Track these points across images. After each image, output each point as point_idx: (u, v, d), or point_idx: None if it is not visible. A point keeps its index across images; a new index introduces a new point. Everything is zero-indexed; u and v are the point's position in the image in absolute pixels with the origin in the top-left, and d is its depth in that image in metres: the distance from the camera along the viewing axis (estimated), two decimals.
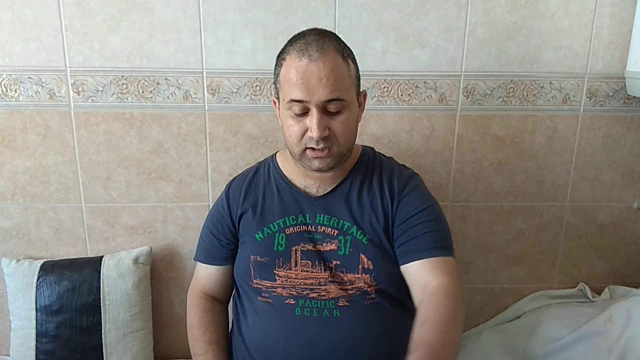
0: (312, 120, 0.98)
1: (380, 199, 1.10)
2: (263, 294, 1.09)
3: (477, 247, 1.59)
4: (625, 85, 1.45)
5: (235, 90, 1.41)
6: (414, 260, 1.05)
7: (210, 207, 1.31)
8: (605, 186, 1.56)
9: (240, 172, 1.26)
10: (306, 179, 1.12)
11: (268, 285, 1.09)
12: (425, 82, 1.43)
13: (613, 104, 1.48)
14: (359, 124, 1.10)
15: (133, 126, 1.42)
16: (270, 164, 1.20)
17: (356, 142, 1.13)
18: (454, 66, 1.42)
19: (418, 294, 1.02)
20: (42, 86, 1.39)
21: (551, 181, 1.55)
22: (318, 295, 1.06)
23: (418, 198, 1.10)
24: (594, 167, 1.54)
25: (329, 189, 1.12)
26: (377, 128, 1.47)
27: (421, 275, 1.03)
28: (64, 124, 1.42)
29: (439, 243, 1.05)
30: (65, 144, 1.43)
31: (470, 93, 1.45)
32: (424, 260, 1.04)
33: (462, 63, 1.43)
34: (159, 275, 1.55)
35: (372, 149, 1.22)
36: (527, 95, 1.46)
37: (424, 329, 0.91)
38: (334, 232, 1.09)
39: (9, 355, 1.40)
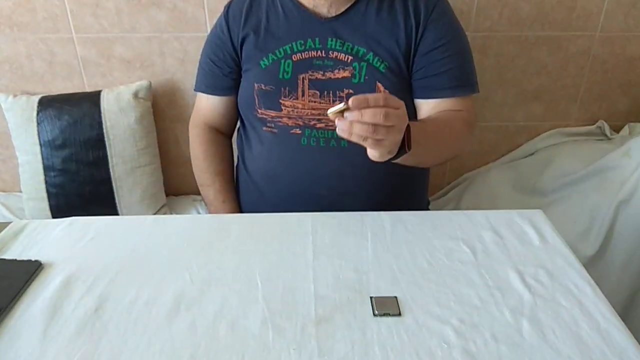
0: None
1: (403, 22, 0.99)
2: (268, 124, 1.04)
3: (495, 81, 1.49)
4: None
5: None
6: (433, 98, 1.01)
7: None
8: None
9: None
10: None
11: (273, 115, 1.03)
12: None
13: None
14: None
15: None
16: None
17: None
18: None
19: None
20: None
21: (583, 7, 1.39)
22: (325, 125, 1.01)
23: (445, 26, 1.01)
24: None
25: (342, 9, 1.00)
26: None
27: (437, 110, 1.00)
28: None
29: (461, 81, 1.01)
30: None
31: None
32: (442, 99, 1.01)
33: None
34: (162, 112, 1.50)
35: None
36: None
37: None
38: (347, 58, 1.00)
39: (20, 192, 1.42)
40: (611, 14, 1.41)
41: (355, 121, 0.68)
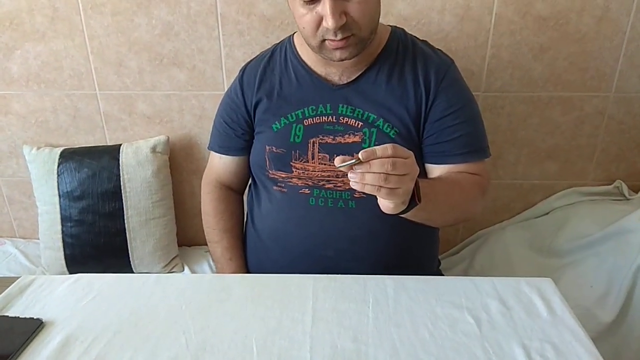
0: (325, 8, 0.86)
1: (413, 90, 1.00)
2: (279, 184, 1.05)
3: (508, 140, 1.49)
4: None
5: None
6: (444, 164, 1.02)
7: None
8: None
9: (254, 56, 1.17)
10: (327, 66, 1.02)
11: (284, 176, 1.04)
12: None
13: None
14: (382, 1, 0.97)
15: (140, 6, 1.33)
16: (287, 47, 1.09)
17: (383, 23, 1.02)
18: None
19: None
20: None
21: (596, 69, 1.40)
22: (334, 186, 1.01)
23: (456, 94, 1.02)
24: None
25: (353, 77, 1.02)
26: (405, 7, 1.32)
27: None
28: (70, 5, 1.34)
29: (472, 147, 1.02)
30: (74, 27, 1.37)
31: None
32: (453, 165, 1.01)
33: None
34: (179, 165, 1.54)
35: (403, 30, 1.08)
36: None
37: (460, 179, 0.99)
38: (358, 124, 1.01)
39: (38, 239, 1.46)
40: (625, 75, 1.40)
41: (365, 172, 0.70)
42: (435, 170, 1.03)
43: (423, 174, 1.04)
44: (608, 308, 1.23)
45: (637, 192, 1.48)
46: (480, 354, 0.74)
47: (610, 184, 1.52)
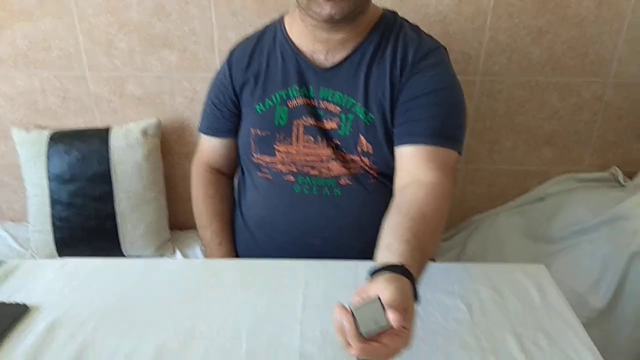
0: None
1: (390, 70, 0.96)
2: (262, 170, 1.03)
3: (505, 126, 1.47)
4: None
5: None
6: (408, 144, 0.93)
7: None
8: None
9: (244, 38, 1.14)
10: (314, 42, 0.99)
11: (268, 160, 1.02)
12: None
13: None
14: None
15: None
16: (277, 27, 1.06)
17: (377, 5, 0.99)
18: None
19: (403, 179, 0.92)
20: None
21: (595, 53, 1.37)
22: (319, 172, 1.00)
23: (434, 77, 0.95)
24: None
25: (338, 60, 0.99)
26: None
27: (413, 163, 0.92)
28: None
29: (441, 131, 0.92)
30: (63, 7, 1.33)
31: None
32: (419, 146, 0.92)
33: None
34: (171, 148, 1.51)
35: (395, 13, 1.04)
36: None
37: (420, 222, 0.80)
38: (336, 110, 0.99)
39: (27, 222, 1.44)
40: (625, 61, 1.38)
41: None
42: (401, 152, 0.95)
43: (392, 160, 0.98)
44: (600, 294, 1.23)
45: (632, 179, 1.47)
46: (472, 341, 0.74)
47: (605, 171, 1.51)
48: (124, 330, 0.74)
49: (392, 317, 0.57)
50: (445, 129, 0.93)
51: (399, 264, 0.67)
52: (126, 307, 0.79)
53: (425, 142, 0.92)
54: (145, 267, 0.89)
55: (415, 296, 0.66)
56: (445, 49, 1.02)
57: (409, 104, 0.95)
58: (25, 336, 0.73)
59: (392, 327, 0.58)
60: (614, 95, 1.43)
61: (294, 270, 0.87)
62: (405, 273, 0.66)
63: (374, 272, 0.67)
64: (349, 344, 0.59)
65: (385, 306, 0.58)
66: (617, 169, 1.49)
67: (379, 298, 0.59)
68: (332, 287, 0.84)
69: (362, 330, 0.58)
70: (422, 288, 0.83)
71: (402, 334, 0.59)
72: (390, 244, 0.73)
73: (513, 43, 1.36)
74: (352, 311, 0.59)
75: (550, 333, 0.75)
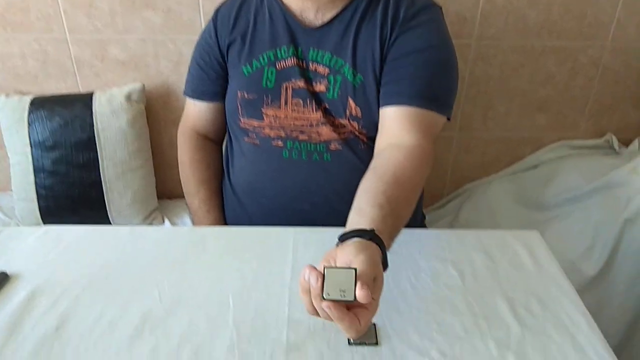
0: None
1: (380, 28, 0.92)
2: (250, 134, 1.00)
3: (499, 91, 1.44)
4: None
5: None
6: (390, 105, 0.90)
7: None
8: None
9: None
10: (304, 0, 0.95)
11: (255, 125, 0.99)
12: None
13: None
14: None
15: None
16: None
17: None
18: None
19: (383, 141, 0.89)
20: None
21: (593, 16, 1.34)
22: (309, 137, 0.97)
23: (423, 35, 0.91)
24: None
25: (328, 18, 0.95)
26: None
27: (394, 125, 0.89)
28: None
29: (425, 92, 0.89)
30: None
31: None
32: (402, 107, 0.89)
33: None
34: (156, 114, 1.47)
35: None
36: None
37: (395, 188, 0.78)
38: (325, 71, 0.95)
39: (11, 190, 1.41)
40: (623, 24, 1.35)
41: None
42: (385, 113, 0.92)
43: (377, 119, 0.94)
44: (593, 261, 1.23)
45: (627, 146, 1.46)
46: (463, 307, 0.72)
47: (600, 137, 1.49)
48: (108, 298, 0.72)
49: (360, 293, 0.55)
50: (430, 90, 0.90)
51: (369, 229, 0.65)
52: (110, 275, 0.77)
53: (408, 103, 0.89)
54: (130, 234, 0.86)
55: (385, 263, 0.64)
56: (440, 8, 0.98)
57: (395, 62, 0.91)
58: (5, 305, 0.71)
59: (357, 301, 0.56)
60: (612, 59, 1.40)
61: (283, 237, 0.85)
62: (375, 239, 0.64)
63: (343, 236, 0.65)
64: (311, 305, 0.58)
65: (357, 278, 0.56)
66: (612, 136, 1.47)
67: (356, 270, 0.57)
68: (321, 253, 0.80)
69: (326, 292, 0.56)
70: (414, 255, 0.83)
71: (370, 307, 0.58)
72: (363, 208, 0.71)
73: (509, 5, 1.31)
74: (324, 271, 0.57)
75: (543, 299, 0.74)
